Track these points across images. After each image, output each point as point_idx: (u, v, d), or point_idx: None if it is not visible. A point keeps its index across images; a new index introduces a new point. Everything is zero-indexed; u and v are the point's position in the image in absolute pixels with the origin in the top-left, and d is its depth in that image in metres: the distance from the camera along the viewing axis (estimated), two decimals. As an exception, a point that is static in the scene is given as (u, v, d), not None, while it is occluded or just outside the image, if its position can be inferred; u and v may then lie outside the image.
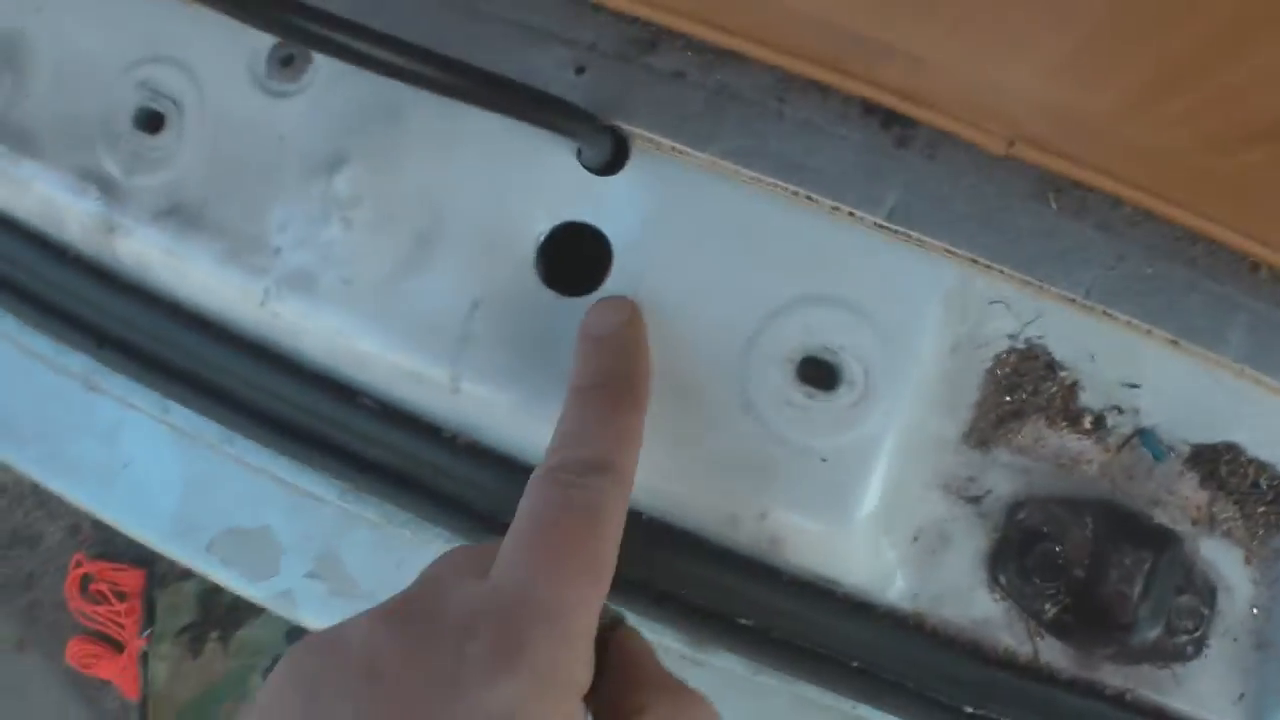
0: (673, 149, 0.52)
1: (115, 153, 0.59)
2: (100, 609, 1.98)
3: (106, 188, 0.59)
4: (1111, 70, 0.38)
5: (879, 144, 0.51)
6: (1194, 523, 0.58)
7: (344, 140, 0.56)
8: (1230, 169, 0.42)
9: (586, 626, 0.39)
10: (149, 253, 0.59)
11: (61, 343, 0.63)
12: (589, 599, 0.39)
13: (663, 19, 0.51)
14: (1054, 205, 0.51)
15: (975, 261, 0.51)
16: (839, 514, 0.54)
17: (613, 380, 0.48)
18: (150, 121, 0.60)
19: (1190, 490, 0.58)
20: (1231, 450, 0.57)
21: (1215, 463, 0.57)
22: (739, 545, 0.56)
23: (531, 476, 0.44)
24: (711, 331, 0.54)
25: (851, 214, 0.51)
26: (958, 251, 0.51)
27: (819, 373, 0.54)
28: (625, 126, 0.52)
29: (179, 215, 0.58)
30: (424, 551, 0.62)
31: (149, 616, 1.98)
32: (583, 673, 0.38)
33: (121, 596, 1.99)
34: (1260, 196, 0.44)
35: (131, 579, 1.99)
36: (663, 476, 0.54)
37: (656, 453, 0.54)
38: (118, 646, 1.98)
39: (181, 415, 0.65)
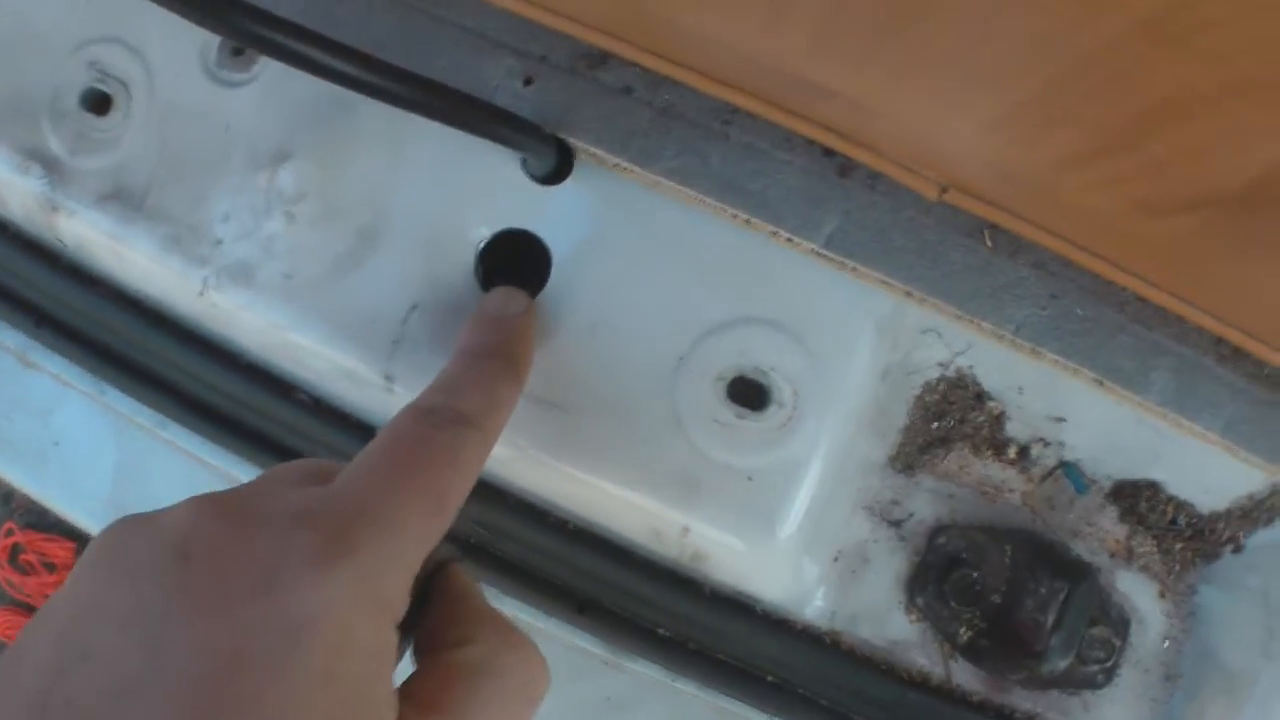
0: (616, 165, 0.52)
1: (61, 132, 0.59)
2: (29, 580, 1.95)
3: (51, 167, 0.59)
4: (1044, 133, 0.39)
5: (821, 171, 0.51)
6: (1112, 555, 0.59)
7: (291, 134, 0.56)
8: (1157, 232, 0.43)
9: (416, 556, 0.38)
10: (91, 235, 0.59)
11: (-4, 318, 0.63)
12: (426, 528, 0.38)
13: (606, 44, 0.51)
14: (989, 243, 0.52)
15: (909, 294, 0.52)
16: (761, 533, 0.54)
17: (500, 353, 0.49)
18: (98, 102, 0.59)
19: (1110, 524, 0.59)
20: (1152, 487, 0.58)
21: (1136, 498, 0.58)
22: (662, 558, 0.57)
23: (400, 411, 0.44)
24: (646, 345, 0.54)
25: (790, 240, 0.52)
26: (892, 282, 0.52)
27: (749, 392, 0.54)
28: (570, 140, 0.52)
29: (122, 200, 0.58)
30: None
31: (77, 589, 1.94)
32: (400, 601, 0.37)
33: (51, 568, 1.96)
34: (1185, 260, 0.45)
35: (62, 551, 1.96)
36: (589, 485, 0.55)
37: (584, 461, 0.54)
38: (43, 618, 1.96)
39: (117, 397, 0.65)
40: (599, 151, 0.52)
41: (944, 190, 0.49)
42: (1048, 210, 0.47)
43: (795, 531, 0.55)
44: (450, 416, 0.43)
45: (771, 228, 0.52)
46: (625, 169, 0.52)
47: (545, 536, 0.57)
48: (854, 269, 0.52)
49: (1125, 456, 0.58)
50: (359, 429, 0.59)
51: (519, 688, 0.39)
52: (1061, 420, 0.57)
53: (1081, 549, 0.58)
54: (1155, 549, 0.59)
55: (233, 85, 0.57)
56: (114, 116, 0.58)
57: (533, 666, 0.40)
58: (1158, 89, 0.32)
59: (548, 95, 0.52)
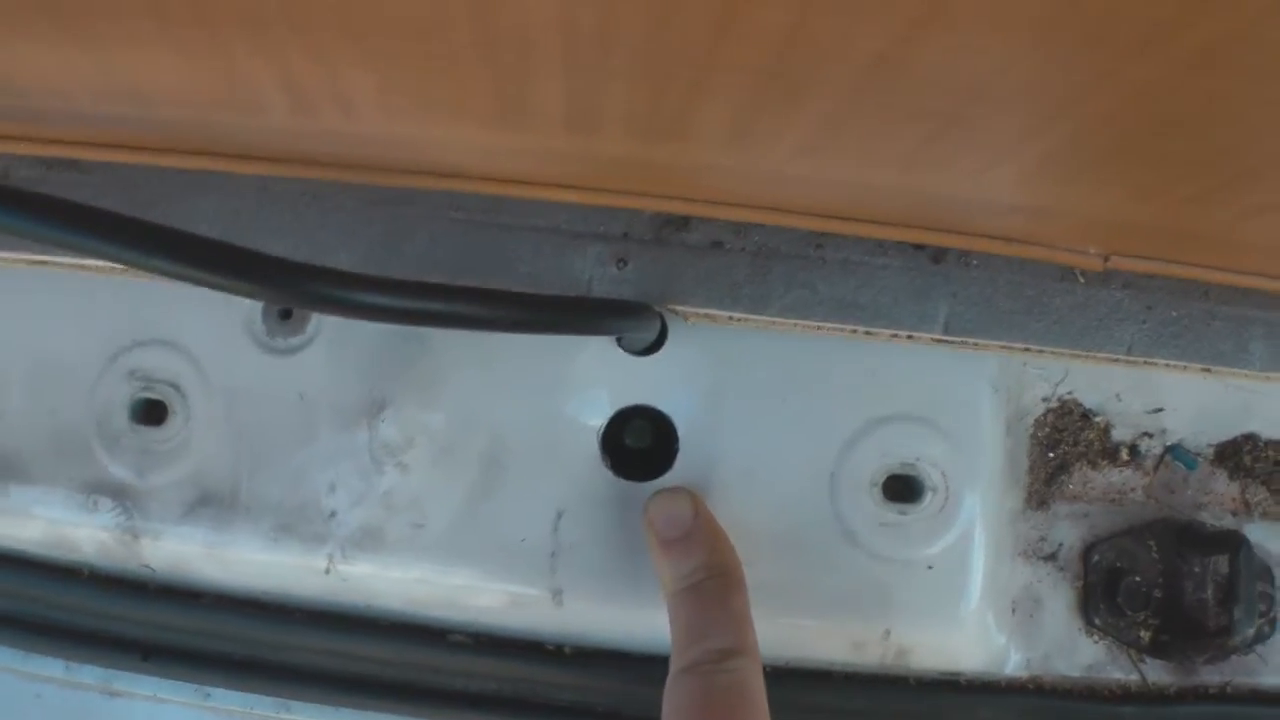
0: (730, 319, 0.52)
1: (121, 455, 0.54)
2: None
3: (120, 494, 0.54)
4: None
5: (919, 265, 0.52)
6: (1234, 514, 0.62)
7: (377, 383, 0.54)
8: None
9: None
10: (185, 550, 0.54)
11: (98, 665, 0.57)
12: None
13: (685, 209, 0.50)
14: (1081, 279, 0.54)
15: (1027, 349, 0.54)
16: (954, 612, 0.56)
17: (710, 572, 0.48)
18: (151, 412, 0.55)
19: (1223, 486, 0.62)
20: (1250, 440, 0.62)
21: (1238, 455, 0.62)
22: (864, 666, 0.57)
23: (668, 680, 0.44)
24: (795, 476, 0.54)
25: (910, 336, 0.53)
26: (1011, 346, 0.53)
27: (902, 487, 0.55)
28: (681, 308, 0.52)
29: (212, 504, 0.54)
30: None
31: None
32: None
33: None
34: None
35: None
36: (789, 627, 0.54)
37: (778, 608, 0.54)
38: None
39: (224, 696, 0.60)
40: (711, 311, 0.52)
41: (1106, 259, 0.50)
42: (1219, 251, 0.49)
43: (979, 600, 0.56)
44: (715, 658, 0.43)
45: (891, 332, 0.53)
46: (739, 319, 0.52)
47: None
48: (974, 344, 0.53)
49: (1220, 420, 0.61)
50: (525, 650, 0.56)
51: None
52: (1159, 410, 0.60)
53: (1208, 518, 0.62)
54: (1268, 493, 0.63)
55: (291, 351, 0.54)
56: (174, 422, 0.54)
57: None
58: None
59: (644, 271, 0.52)
